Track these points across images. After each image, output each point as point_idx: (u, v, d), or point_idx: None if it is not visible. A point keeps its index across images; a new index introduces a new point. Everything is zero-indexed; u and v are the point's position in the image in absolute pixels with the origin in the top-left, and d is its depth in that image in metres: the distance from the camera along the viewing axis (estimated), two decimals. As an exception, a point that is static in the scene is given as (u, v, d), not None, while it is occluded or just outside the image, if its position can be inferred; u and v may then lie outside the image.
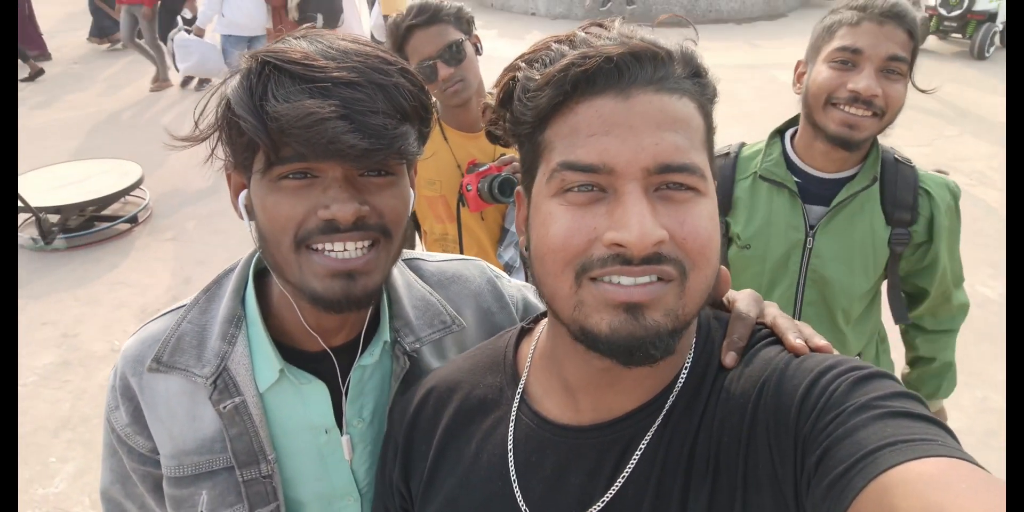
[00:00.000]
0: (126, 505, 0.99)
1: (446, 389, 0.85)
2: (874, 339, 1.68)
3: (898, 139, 1.51)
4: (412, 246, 2.29)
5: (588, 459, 0.71)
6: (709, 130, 0.68)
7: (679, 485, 0.66)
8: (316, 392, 0.92)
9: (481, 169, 1.91)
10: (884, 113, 1.41)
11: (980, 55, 8.73)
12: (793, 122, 1.61)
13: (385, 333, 0.95)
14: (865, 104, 1.39)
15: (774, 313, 0.75)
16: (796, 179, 1.55)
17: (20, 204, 4.50)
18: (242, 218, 0.85)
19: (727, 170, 1.63)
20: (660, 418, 0.69)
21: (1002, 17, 8.61)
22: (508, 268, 2.09)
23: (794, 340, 0.69)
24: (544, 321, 0.81)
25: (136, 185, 5.01)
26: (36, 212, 4.57)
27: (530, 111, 0.65)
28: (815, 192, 1.54)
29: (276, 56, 0.75)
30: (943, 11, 8.91)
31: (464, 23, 1.93)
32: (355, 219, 0.77)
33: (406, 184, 0.85)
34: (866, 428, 0.54)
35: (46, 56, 9.05)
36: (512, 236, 2.09)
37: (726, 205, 1.62)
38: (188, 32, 6.26)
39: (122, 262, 4.60)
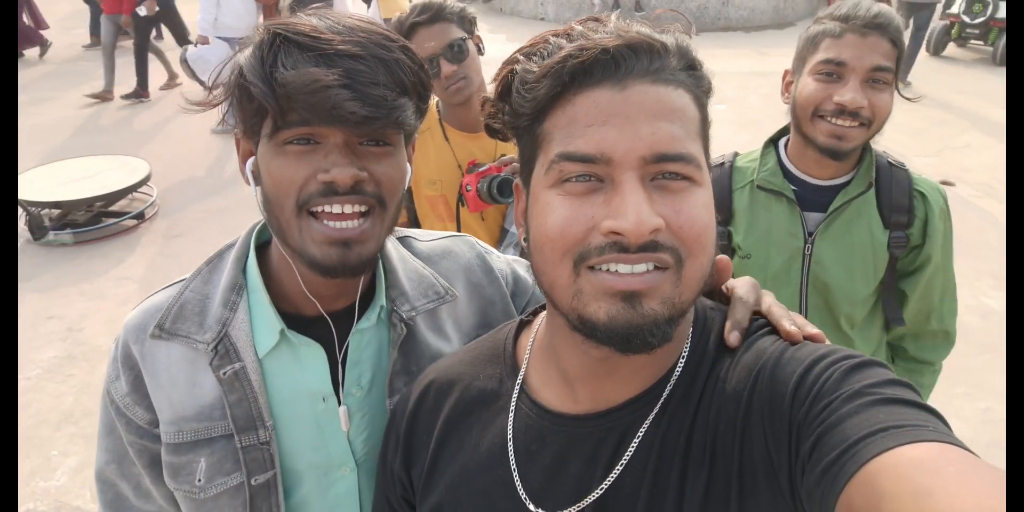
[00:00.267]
0: (121, 486, 1.00)
1: (447, 381, 0.86)
2: (883, 344, 1.69)
3: (904, 149, 1.53)
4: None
5: (586, 447, 0.72)
6: (704, 121, 0.69)
7: (676, 473, 0.67)
8: (314, 356, 0.94)
9: (481, 169, 1.91)
10: (871, 122, 1.42)
11: (1002, 61, 8.81)
12: (785, 131, 1.63)
13: (381, 299, 0.98)
14: (851, 115, 1.40)
15: (769, 302, 0.77)
16: (793, 187, 1.56)
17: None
18: (248, 184, 0.90)
19: (723, 180, 1.64)
20: (657, 407, 0.70)
21: None
22: None
23: (788, 326, 0.70)
24: (543, 314, 0.83)
25: (144, 182, 5.04)
26: (26, 207, 4.59)
27: (528, 103, 0.67)
28: (812, 199, 1.56)
29: (287, 28, 0.80)
30: (966, 18, 9.01)
31: (467, 22, 1.95)
32: (353, 183, 0.82)
33: (403, 157, 0.89)
34: (858, 415, 0.55)
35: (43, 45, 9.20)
36: (512, 236, 2.09)
37: (727, 215, 1.64)
38: (195, 46, 6.32)
39: (128, 258, 4.63)
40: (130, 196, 5.15)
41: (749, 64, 8.96)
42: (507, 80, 0.70)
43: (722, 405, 0.67)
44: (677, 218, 0.62)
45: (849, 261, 1.54)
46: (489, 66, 2.04)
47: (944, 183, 1.47)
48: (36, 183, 4.82)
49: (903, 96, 1.54)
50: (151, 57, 7.75)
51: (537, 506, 0.73)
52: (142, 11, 7.38)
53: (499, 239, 2.14)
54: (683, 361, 0.71)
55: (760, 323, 0.74)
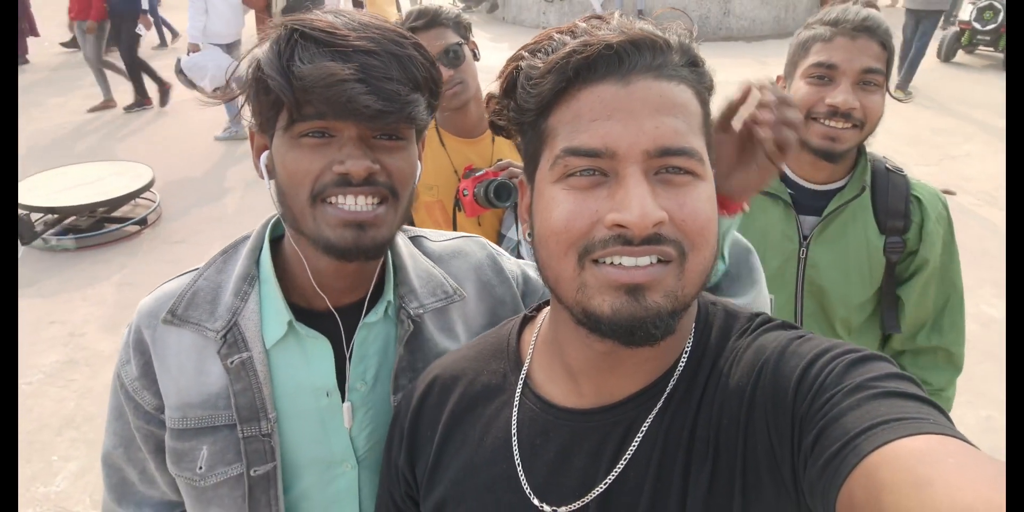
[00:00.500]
0: (126, 470, 1.02)
1: (451, 377, 0.87)
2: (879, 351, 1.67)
3: (905, 158, 1.54)
4: None
5: (591, 442, 0.72)
6: (707, 117, 0.70)
7: (680, 466, 0.67)
8: (320, 350, 0.95)
9: (477, 174, 1.92)
10: (864, 124, 1.44)
11: None
12: None
13: (389, 294, 1.00)
14: (844, 117, 1.42)
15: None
16: (789, 191, 1.58)
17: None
18: (262, 177, 0.91)
19: None
20: (661, 401, 0.70)
21: None
22: None
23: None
24: (546, 309, 0.83)
25: (147, 187, 5.06)
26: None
27: (533, 99, 0.68)
28: (808, 203, 1.56)
29: (303, 24, 0.83)
30: (977, 25, 9.24)
31: (462, 28, 1.97)
32: (367, 175, 0.84)
33: (414, 152, 0.92)
34: (860, 408, 0.56)
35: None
36: (509, 242, 2.10)
37: None
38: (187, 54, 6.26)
39: (130, 263, 4.64)
40: (133, 202, 5.17)
41: (750, 73, 8.95)
42: (512, 76, 0.71)
43: (725, 399, 0.67)
44: (680, 211, 0.63)
45: (844, 265, 1.55)
46: (491, 74, 2.07)
47: (945, 192, 1.47)
48: (36, 189, 4.83)
49: (894, 97, 1.55)
50: (111, 70, 7.59)
51: (541, 501, 0.73)
52: (141, 30, 7.35)
53: (496, 244, 2.14)
54: (686, 355, 0.72)
55: (763, 318, 0.74)
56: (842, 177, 1.56)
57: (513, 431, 0.78)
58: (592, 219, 0.63)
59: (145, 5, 7.81)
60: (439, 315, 1.03)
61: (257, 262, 0.98)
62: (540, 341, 0.82)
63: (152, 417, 0.96)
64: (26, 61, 9.50)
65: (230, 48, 6.55)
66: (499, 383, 0.83)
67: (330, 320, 0.96)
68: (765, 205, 1.59)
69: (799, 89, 1.48)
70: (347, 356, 0.97)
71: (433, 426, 0.85)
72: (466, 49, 1.95)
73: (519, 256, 1.84)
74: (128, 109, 7.70)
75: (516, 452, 0.76)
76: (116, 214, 5.12)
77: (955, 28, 9.61)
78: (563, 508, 0.72)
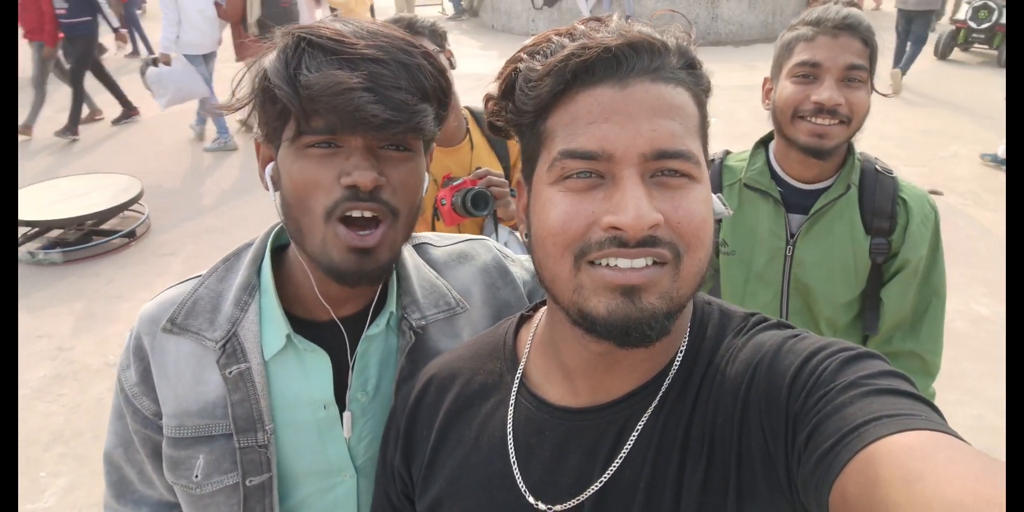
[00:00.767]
0: (126, 469, 1.02)
1: (447, 376, 0.87)
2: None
3: (894, 159, 1.54)
4: None
5: (586, 440, 0.72)
6: (703, 120, 0.70)
7: (674, 465, 0.67)
8: (318, 363, 0.94)
9: (456, 183, 1.92)
10: (850, 120, 1.46)
11: (1004, 63, 9.39)
12: None
13: (392, 305, 0.99)
14: (830, 113, 1.44)
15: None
16: (779, 188, 1.59)
17: None
18: (267, 189, 0.91)
19: (713, 177, 1.67)
20: (656, 400, 0.70)
21: None
22: None
23: None
24: (543, 309, 0.84)
25: (135, 200, 5.04)
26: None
27: (531, 101, 0.68)
28: (797, 202, 1.58)
29: (310, 32, 0.81)
30: (973, 24, 9.74)
31: (438, 36, 1.98)
32: (373, 186, 0.82)
33: (422, 164, 0.90)
34: (853, 405, 0.56)
35: None
36: None
37: None
38: (155, 64, 6.20)
39: (119, 276, 4.61)
40: (121, 214, 5.14)
41: (739, 78, 9.03)
42: (510, 78, 0.72)
43: (720, 398, 0.67)
44: (675, 214, 0.63)
45: (830, 263, 1.56)
46: (482, 82, 2.07)
47: (933, 193, 1.48)
48: (24, 203, 4.80)
49: (879, 93, 1.57)
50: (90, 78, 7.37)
51: (537, 499, 0.73)
52: (127, 48, 7.21)
53: None
54: (681, 355, 0.73)
55: (759, 317, 0.74)
56: (831, 176, 1.57)
57: (509, 430, 0.78)
58: (588, 221, 0.64)
59: (116, 23, 7.70)
60: (447, 323, 1.02)
61: (259, 272, 0.97)
62: (536, 341, 0.82)
63: (150, 422, 0.96)
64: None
65: (206, 59, 6.54)
66: (495, 382, 0.83)
67: (332, 330, 0.96)
68: (755, 202, 1.61)
69: (785, 88, 1.49)
70: (350, 366, 0.96)
71: (429, 425, 0.85)
72: (442, 57, 1.95)
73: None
74: (116, 122, 7.68)
75: (512, 451, 0.77)
76: (104, 227, 5.09)
77: (951, 27, 10.11)
78: (558, 506, 0.72)
